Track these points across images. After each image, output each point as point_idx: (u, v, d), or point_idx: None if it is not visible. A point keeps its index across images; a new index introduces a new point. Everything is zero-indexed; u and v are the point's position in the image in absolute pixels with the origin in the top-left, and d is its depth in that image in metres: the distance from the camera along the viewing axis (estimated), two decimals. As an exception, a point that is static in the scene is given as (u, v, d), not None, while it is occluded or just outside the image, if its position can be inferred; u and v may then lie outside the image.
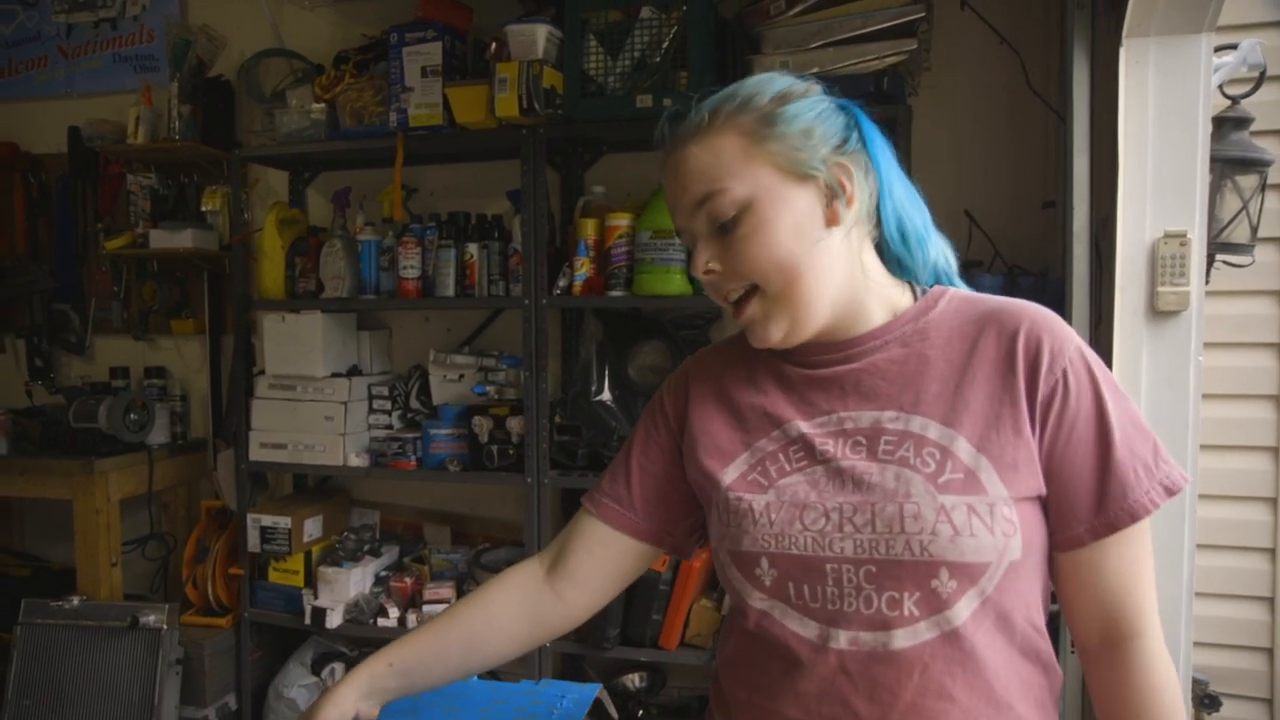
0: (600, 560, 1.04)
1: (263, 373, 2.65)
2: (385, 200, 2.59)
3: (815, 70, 2.13)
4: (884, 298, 0.95)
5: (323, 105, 2.50)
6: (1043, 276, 2.08)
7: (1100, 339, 1.83)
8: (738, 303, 0.92)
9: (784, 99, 0.90)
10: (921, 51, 2.17)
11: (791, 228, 0.88)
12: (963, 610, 0.84)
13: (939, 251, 0.98)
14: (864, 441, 0.90)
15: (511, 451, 2.46)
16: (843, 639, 0.86)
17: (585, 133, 2.41)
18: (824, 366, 0.95)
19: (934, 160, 2.32)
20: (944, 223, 2.29)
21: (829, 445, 0.91)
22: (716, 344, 1.09)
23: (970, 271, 2.20)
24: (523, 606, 1.04)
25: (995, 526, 0.84)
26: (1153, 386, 1.78)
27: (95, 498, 2.64)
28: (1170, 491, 0.87)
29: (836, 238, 0.90)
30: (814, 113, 0.90)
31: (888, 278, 0.96)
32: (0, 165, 3.11)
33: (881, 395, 0.92)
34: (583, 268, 2.37)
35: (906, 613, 0.85)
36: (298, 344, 2.57)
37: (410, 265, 2.49)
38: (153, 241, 2.78)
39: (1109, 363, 1.78)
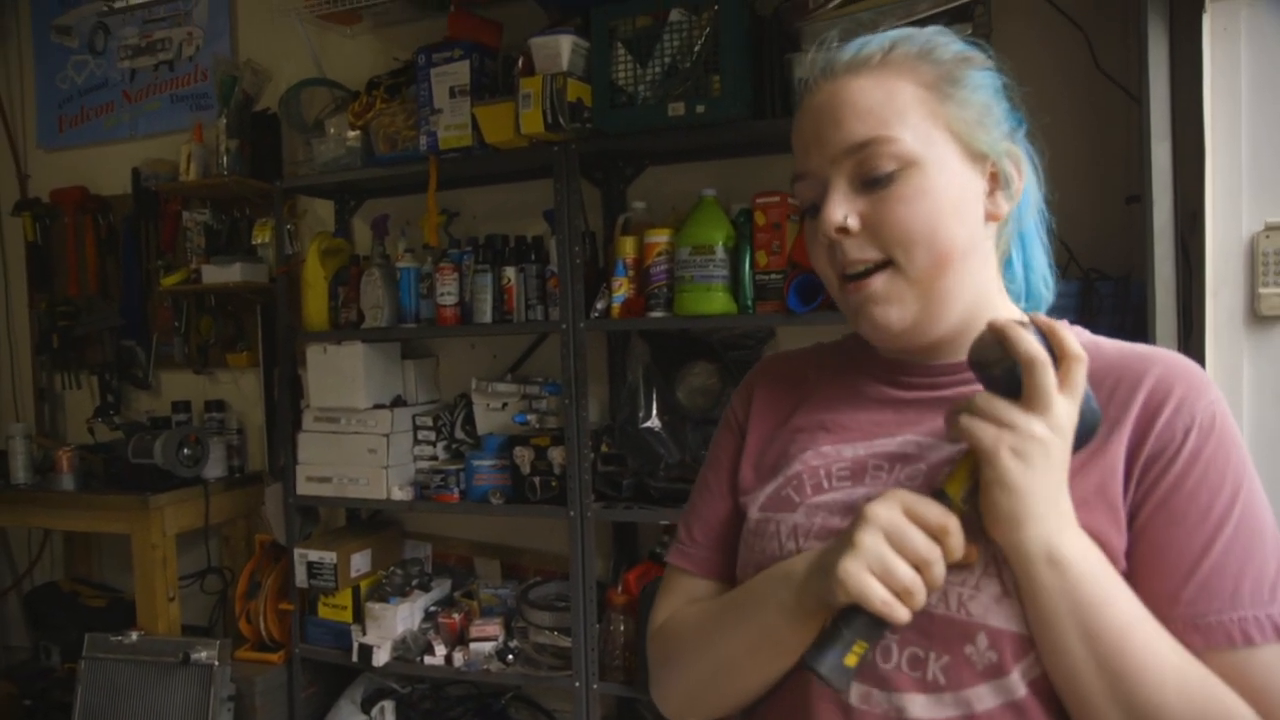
0: None
1: (308, 406, 2.62)
2: (424, 226, 2.53)
3: (861, 65, 1.96)
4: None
5: (357, 132, 2.46)
6: (1125, 280, 1.84)
7: (1191, 350, 1.59)
8: (857, 276, 0.76)
9: (968, 61, 0.78)
10: (979, 36, 1.96)
11: (955, 206, 0.75)
12: (999, 690, 0.68)
13: (1047, 275, 0.87)
14: (923, 471, 0.75)
15: (554, 483, 2.35)
16: (854, 693, 0.72)
17: (621, 146, 2.30)
18: (910, 389, 0.82)
19: (1000, 157, 2.11)
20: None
21: (883, 471, 0.77)
22: (791, 350, 0.96)
23: (1042, 278, 1.98)
24: None
25: None
26: (1257, 404, 1.53)
27: (151, 533, 2.66)
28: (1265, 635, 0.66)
29: (988, 236, 0.78)
30: (994, 87, 0.79)
31: (1006, 297, 0.83)
32: (73, 208, 3.21)
33: None
34: (621, 288, 2.25)
35: (930, 677, 0.70)
36: (339, 375, 2.53)
37: (448, 292, 2.41)
38: (205, 276, 2.81)
39: (1202, 378, 1.54)
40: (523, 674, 2.40)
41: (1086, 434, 0.68)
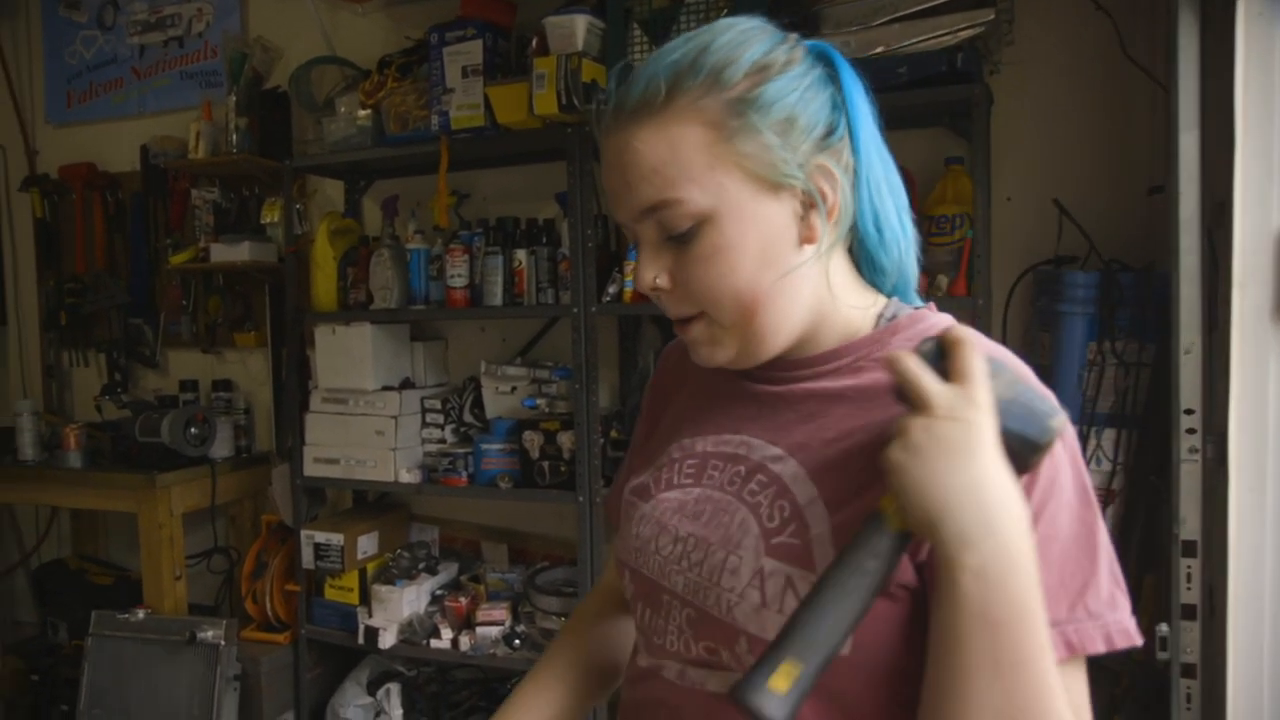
0: None
1: (316, 386, 2.61)
2: (434, 207, 2.50)
3: (879, 50, 1.93)
4: (843, 320, 0.77)
5: (368, 111, 2.44)
6: (1146, 272, 1.81)
7: (1216, 346, 1.56)
8: (680, 320, 0.77)
9: (762, 74, 0.70)
10: (1001, 22, 1.93)
11: (758, 252, 0.71)
12: None
13: (910, 253, 0.79)
14: (742, 474, 0.77)
15: (563, 468, 2.34)
16: (670, 671, 0.77)
17: (635, 129, 2.26)
18: (757, 382, 0.81)
19: (1017, 145, 2.08)
20: (1031, 214, 2.00)
21: (717, 470, 0.79)
22: None
23: (1061, 268, 1.95)
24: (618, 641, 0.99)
25: None
26: (1283, 401, 1.50)
27: (158, 511, 2.65)
28: (1072, 648, 0.64)
29: (807, 256, 0.73)
30: (797, 93, 0.70)
31: (855, 291, 0.78)
32: (81, 185, 3.19)
33: (783, 430, 0.77)
34: (633, 273, 2.22)
35: (724, 661, 0.73)
36: (348, 357, 2.51)
37: (458, 274, 2.39)
38: (213, 255, 2.79)
39: (1224, 374, 1.51)
40: (529, 658, 2.39)
41: (1029, 448, 0.62)
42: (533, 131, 2.24)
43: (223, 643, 2.53)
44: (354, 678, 2.66)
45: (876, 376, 0.73)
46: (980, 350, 0.63)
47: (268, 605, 2.71)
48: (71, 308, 3.20)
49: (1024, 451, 0.63)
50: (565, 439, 2.33)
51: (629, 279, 2.22)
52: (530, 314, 2.47)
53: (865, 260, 0.78)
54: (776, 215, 0.71)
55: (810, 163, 0.71)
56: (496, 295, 2.36)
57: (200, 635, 2.54)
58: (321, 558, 2.55)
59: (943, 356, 0.64)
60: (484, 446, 2.44)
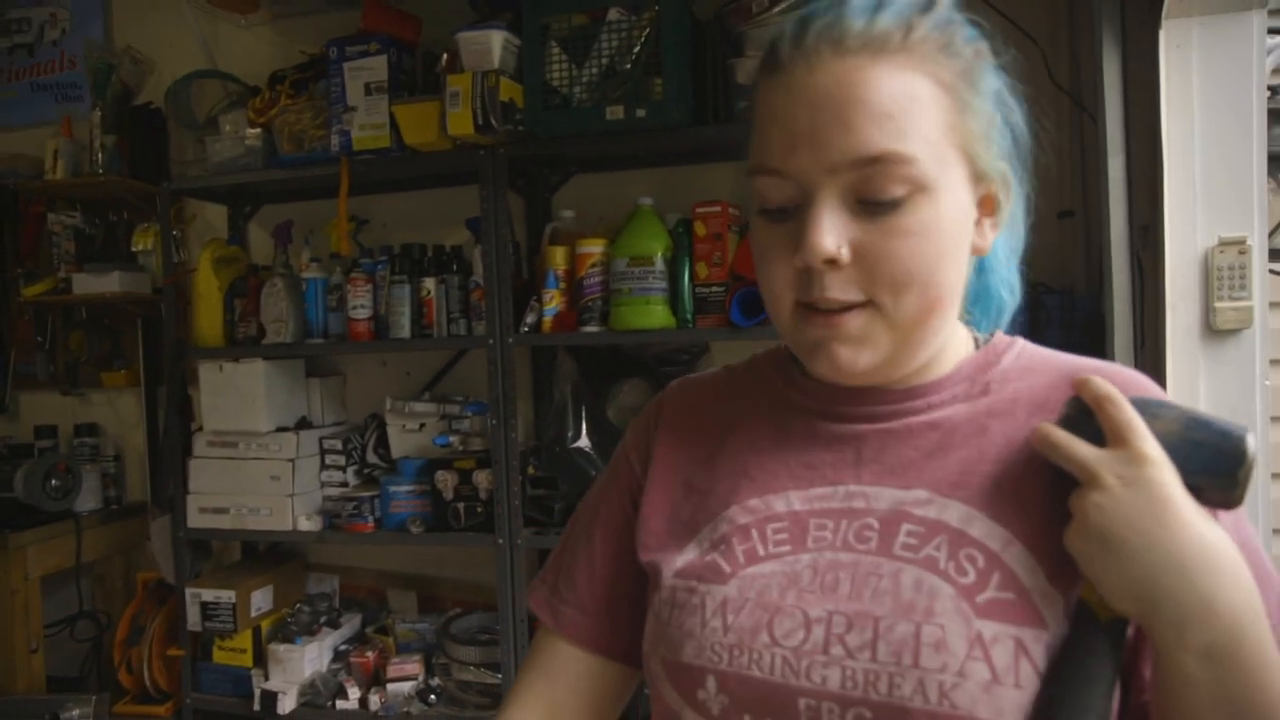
0: (594, 697, 0.76)
1: (201, 429, 2.37)
2: (332, 233, 2.33)
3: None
4: (956, 343, 0.70)
5: (258, 130, 2.25)
6: (1069, 293, 1.86)
7: (1146, 363, 1.60)
8: (825, 309, 0.62)
9: (981, 56, 0.64)
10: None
11: (953, 245, 0.62)
12: None
13: (1014, 283, 0.74)
14: (876, 528, 0.63)
15: (480, 509, 2.20)
16: None
17: (551, 151, 2.17)
18: (844, 421, 0.68)
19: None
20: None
21: (827, 529, 0.64)
22: (702, 375, 0.81)
23: (987, 291, 1.97)
24: None
25: None
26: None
27: (11, 577, 2.35)
28: None
29: (970, 266, 0.66)
30: (1001, 90, 0.66)
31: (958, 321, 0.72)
32: (-90, 209, 2.83)
33: (911, 469, 0.65)
34: (552, 301, 2.13)
35: None
36: (238, 396, 2.30)
37: (360, 305, 2.23)
38: (76, 286, 2.51)
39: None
40: (447, 714, 2.23)
41: (1226, 484, 0.55)
42: (443, 153, 2.12)
43: (92, 721, 2.26)
44: (248, 749, 2.42)
45: (1009, 397, 0.66)
46: (1125, 397, 0.57)
47: (145, 674, 2.43)
48: (-102, 348, 2.83)
49: (1223, 488, 0.55)
50: (481, 478, 2.20)
51: (548, 307, 2.12)
52: (443, 345, 2.33)
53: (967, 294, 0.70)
54: (970, 210, 0.64)
55: (999, 165, 0.65)
56: (404, 327, 2.21)
57: (64, 715, 2.25)
58: (210, 618, 2.30)
59: (1090, 415, 0.58)
60: (391, 489, 2.28)
